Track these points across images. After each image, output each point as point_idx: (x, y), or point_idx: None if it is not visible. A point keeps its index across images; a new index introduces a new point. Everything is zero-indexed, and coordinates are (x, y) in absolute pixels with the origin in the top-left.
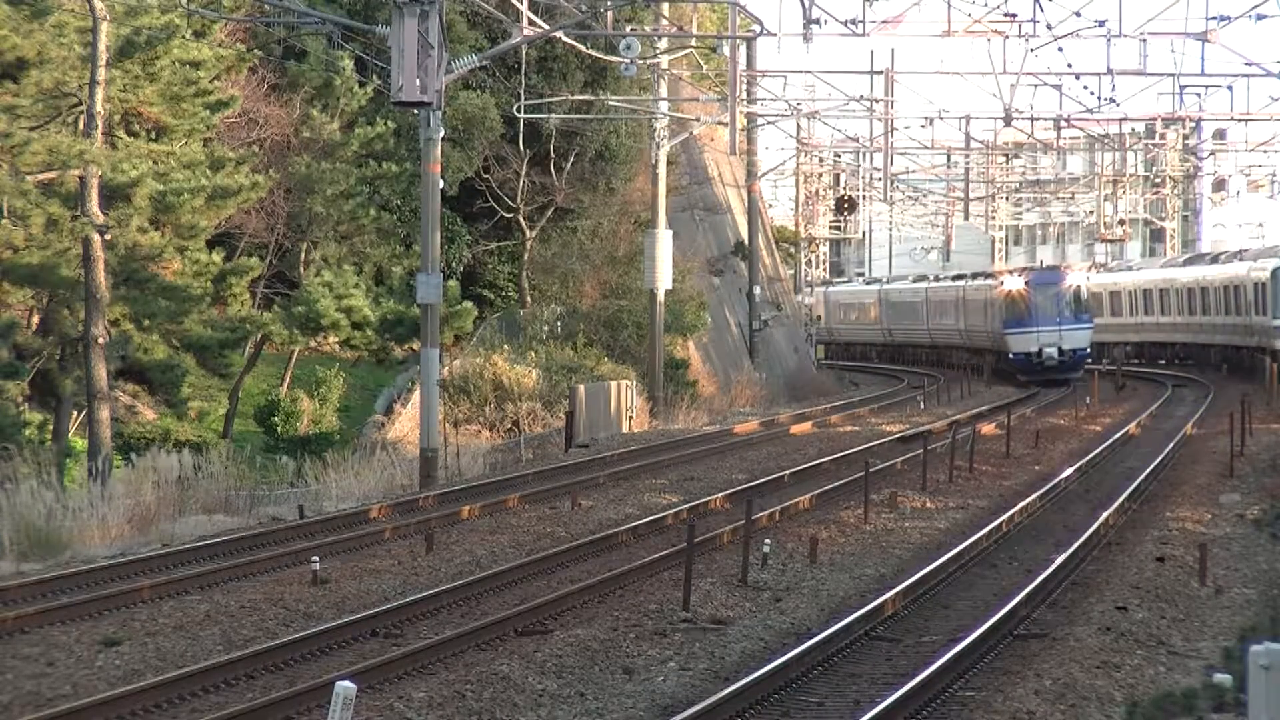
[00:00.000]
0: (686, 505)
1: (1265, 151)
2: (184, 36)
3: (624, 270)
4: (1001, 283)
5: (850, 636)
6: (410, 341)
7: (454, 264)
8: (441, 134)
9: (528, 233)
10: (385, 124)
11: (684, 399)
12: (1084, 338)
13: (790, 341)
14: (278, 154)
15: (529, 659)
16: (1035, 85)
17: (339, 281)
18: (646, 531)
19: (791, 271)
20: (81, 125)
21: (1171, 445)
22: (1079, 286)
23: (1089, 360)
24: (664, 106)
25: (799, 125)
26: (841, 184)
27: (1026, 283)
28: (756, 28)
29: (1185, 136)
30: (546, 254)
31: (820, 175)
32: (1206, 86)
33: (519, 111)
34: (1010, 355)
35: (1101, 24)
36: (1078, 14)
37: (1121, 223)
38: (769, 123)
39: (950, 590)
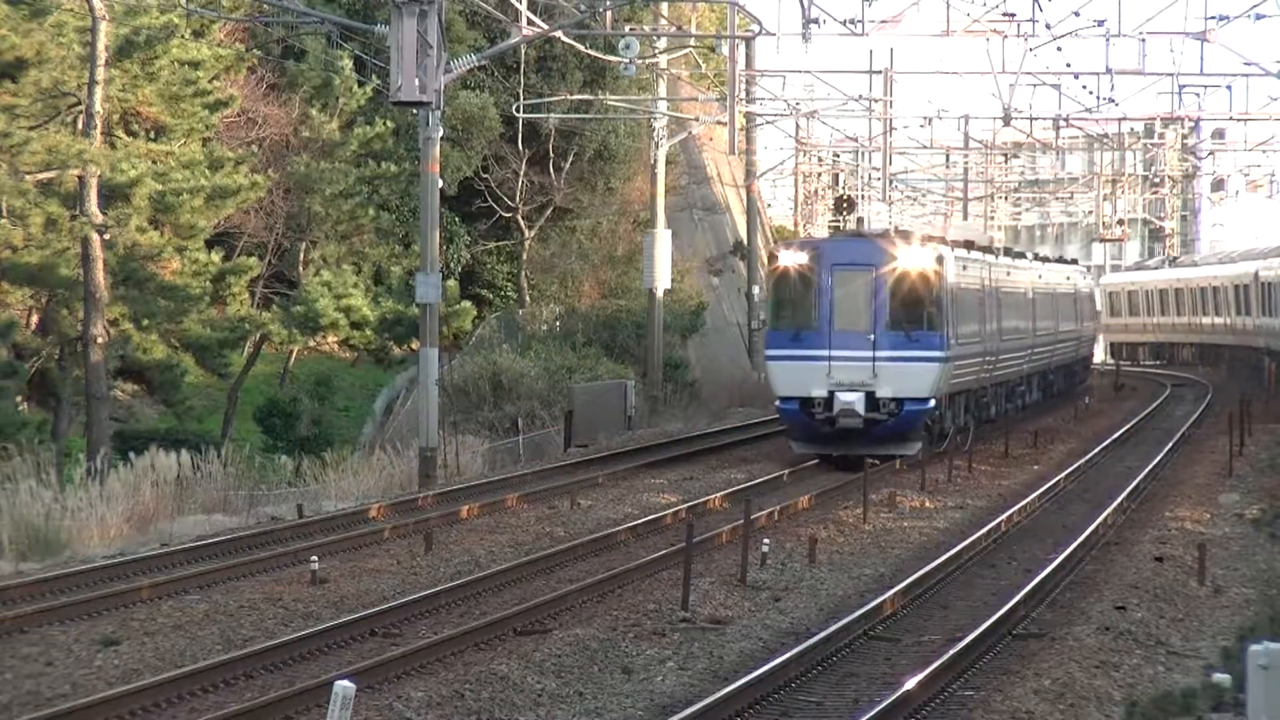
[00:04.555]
0: (685, 505)
1: (1264, 151)
2: (183, 36)
3: (623, 270)
4: (775, 257)
5: (849, 636)
6: (409, 341)
7: (453, 264)
8: (440, 133)
9: (526, 232)
10: (384, 123)
11: (683, 399)
12: (923, 377)
13: None
14: (277, 154)
15: (528, 659)
16: (1034, 85)
17: (338, 281)
18: (645, 531)
19: None
20: (80, 125)
21: (1171, 444)
22: (929, 273)
23: (936, 425)
24: (663, 106)
25: (798, 125)
26: (840, 184)
27: (813, 258)
28: (755, 27)
29: (1184, 136)
30: (545, 254)
31: (819, 175)
32: (1205, 86)
33: (518, 111)
34: (776, 400)
35: (1100, 24)
36: (1076, 14)
37: (1120, 222)
38: (768, 122)
39: (949, 590)
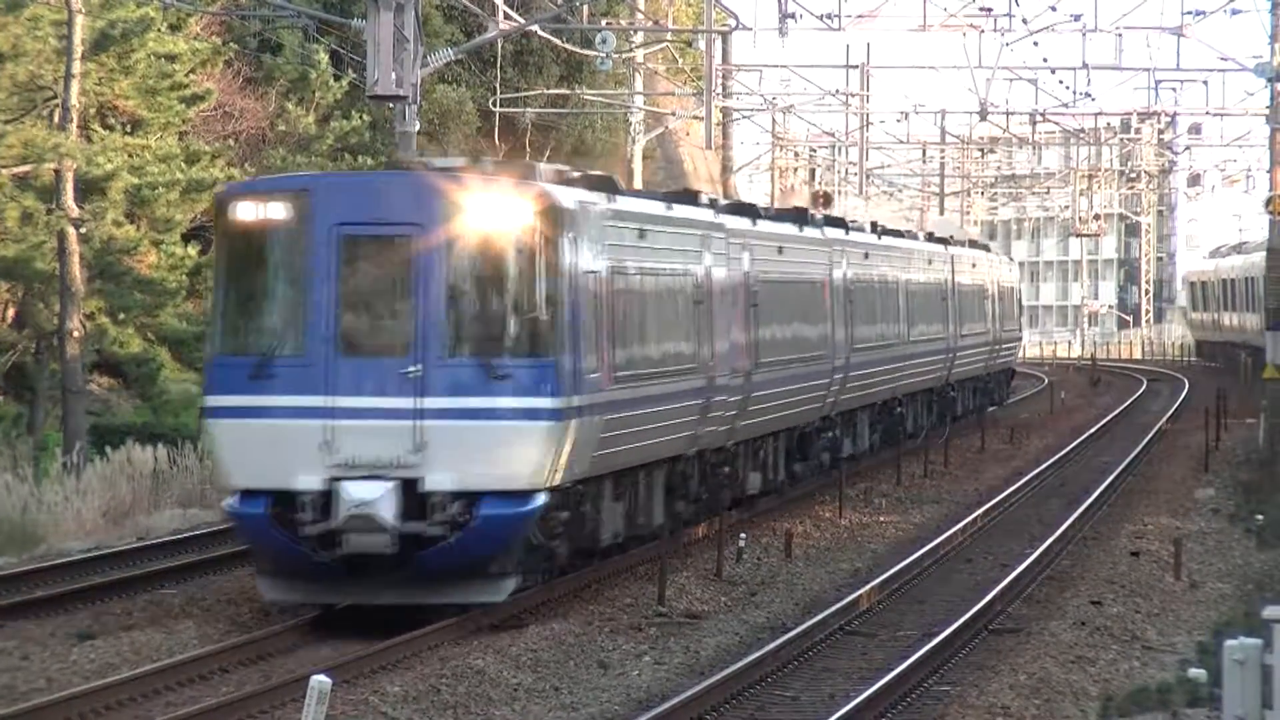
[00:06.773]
0: None
1: (1240, 146)
2: (159, 30)
3: None
4: (226, 208)
5: (825, 631)
6: None
7: None
8: (417, 127)
9: None
10: (361, 117)
11: None
12: (520, 447)
13: None
14: (253, 147)
15: (504, 653)
16: (1011, 80)
17: None
18: None
19: None
20: (57, 118)
21: (1147, 440)
22: (531, 240)
23: (563, 540)
24: (639, 101)
25: (774, 120)
26: (817, 179)
27: (298, 212)
28: (732, 22)
29: (1160, 131)
30: None
31: (796, 170)
32: (1182, 81)
33: (495, 105)
34: (226, 500)
35: (1077, 18)
36: (1053, 8)
37: (1096, 217)
38: (744, 117)
39: (925, 585)
